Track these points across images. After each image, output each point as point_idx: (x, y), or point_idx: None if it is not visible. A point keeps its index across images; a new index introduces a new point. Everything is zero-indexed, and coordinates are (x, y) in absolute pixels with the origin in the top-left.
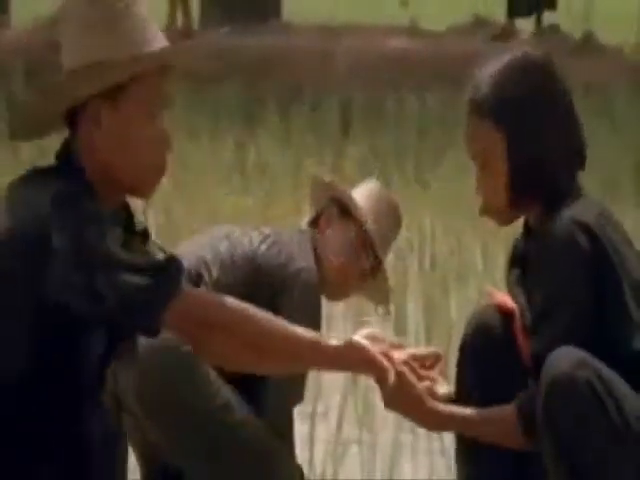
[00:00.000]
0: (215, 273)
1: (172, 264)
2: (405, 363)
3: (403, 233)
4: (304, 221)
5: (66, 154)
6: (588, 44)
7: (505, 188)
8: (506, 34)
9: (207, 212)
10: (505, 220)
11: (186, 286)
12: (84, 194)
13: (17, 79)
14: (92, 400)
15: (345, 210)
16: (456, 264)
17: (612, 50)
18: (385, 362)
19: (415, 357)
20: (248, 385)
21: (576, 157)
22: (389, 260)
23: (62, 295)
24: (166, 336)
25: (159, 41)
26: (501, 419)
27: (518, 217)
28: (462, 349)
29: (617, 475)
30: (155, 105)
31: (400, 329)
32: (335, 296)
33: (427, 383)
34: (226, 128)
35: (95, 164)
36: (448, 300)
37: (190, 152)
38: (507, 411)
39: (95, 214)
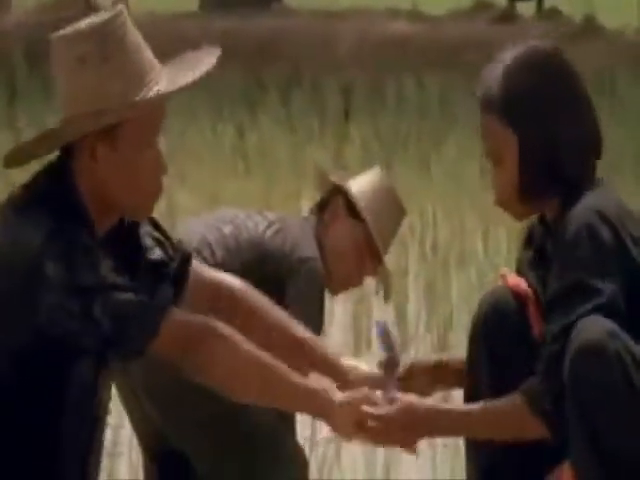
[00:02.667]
0: (219, 256)
1: (162, 292)
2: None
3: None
4: (306, 206)
5: (60, 178)
6: (589, 27)
7: (515, 185)
8: (507, 18)
9: (208, 197)
10: (520, 215)
11: (178, 313)
12: (77, 227)
13: (19, 63)
14: (75, 425)
15: (351, 206)
16: (457, 248)
17: (613, 33)
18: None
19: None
20: None
21: (591, 147)
22: None
23: (55, 320)
24: None
25: (154, 70)
26: (510, 406)
27: (534, 212)
28: (475, 328)
29: (637, 445)
30: (152, 133)
31: (401, 313)
32: (335, 290)
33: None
34: (227, 112)
35: (91, 190)
36: (449, 284)
37: (191, 136)
38: (515, 398)
39: (87, 245)
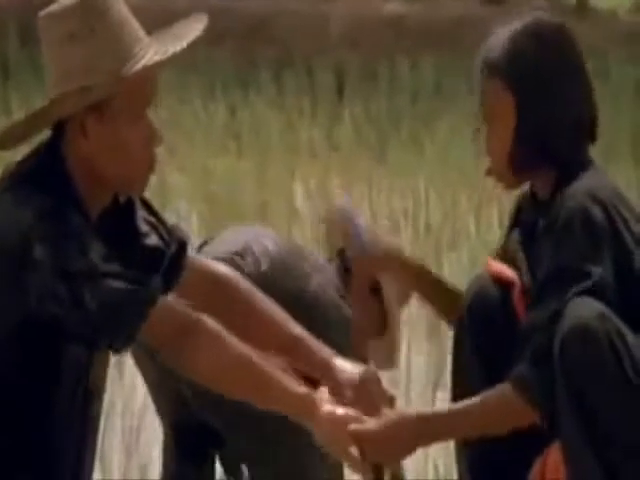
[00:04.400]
0: (264, 267)
1: (151, 276)
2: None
3: (397, 199)
4: (299, 186)
5: (51, 156)
6: (582, 8)
7: (510, 151)
8: None
9: (200, 176)
10: (509, 184)
11: (168, 304)
12: (68, 208)
13: (12, 41)
14: (68, 404)
15: (375, 286)
16: (450, 228)
17: (607, 14)
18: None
19: None
20: None
21: (588, 128)
22: (384, 224)
23: (43, 303)
24: None
25: (140, 42)
26: (500, 397)
27: (523, 182)
28: (460, 318)
29: (626, 425)
30: (142, 105)
31: None
32: None
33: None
34: (219, 92)
35: (83, 167)
36: (441, 265)
37: (183, 116)
38: (503, 388)
39: (77, 228)
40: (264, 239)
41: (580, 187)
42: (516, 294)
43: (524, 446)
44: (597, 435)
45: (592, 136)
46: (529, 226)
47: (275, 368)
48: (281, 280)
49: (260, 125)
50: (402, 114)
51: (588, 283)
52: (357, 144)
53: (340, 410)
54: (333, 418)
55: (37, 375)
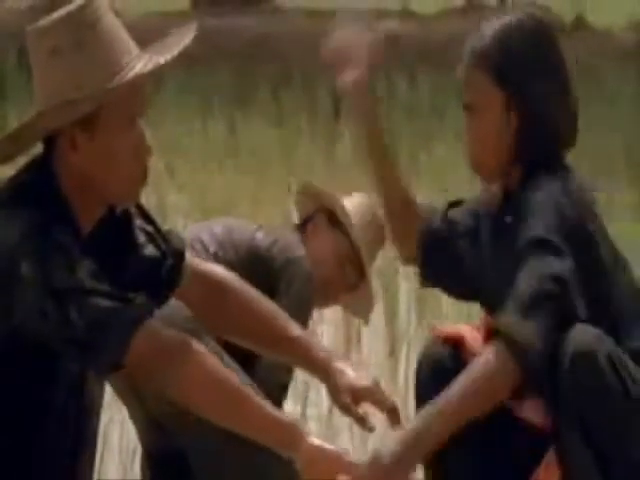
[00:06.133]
0: (212, 249)
1: (140, 296)
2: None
3: None
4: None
5: (42, 171)
6: (579, 26)
7: (504, 147)
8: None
9: (199, 194)
10: (494, 178)
11: (154, 325)
12: (56, 224)
13: (10, 60)
14: (61, 422)
15: (334, 221)
16: None
17: (602, 31)
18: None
19: None
20: (241, 359)
21: (568, 128)
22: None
23: (29, 321)
24: (170, 312)
25: (129, 55)
26: (485, 361)
27: (503, 175)
28: (417, 387)
29: (628, 442)
30: (132, 117)
31: (391, 316)
32: (318, 304)
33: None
34: (218, 111)
35: (75, 181)
36: None
37: (181, 135)
38: (487, 350)
39: (65, 244)
40: (212, 224)
41: (553, 181)
42: (467, 345)
43: (518, 460)
44: (601, 453)
45: (572, 140)
46: (496, 218)
47: (260, 396)
48: (229, 253)
49: (258, 143)
50: (399, 131)
51: (565, 258)
52: (355, 162)
53: (328, 446)
54: (320, 453)
55: (27, 388)
